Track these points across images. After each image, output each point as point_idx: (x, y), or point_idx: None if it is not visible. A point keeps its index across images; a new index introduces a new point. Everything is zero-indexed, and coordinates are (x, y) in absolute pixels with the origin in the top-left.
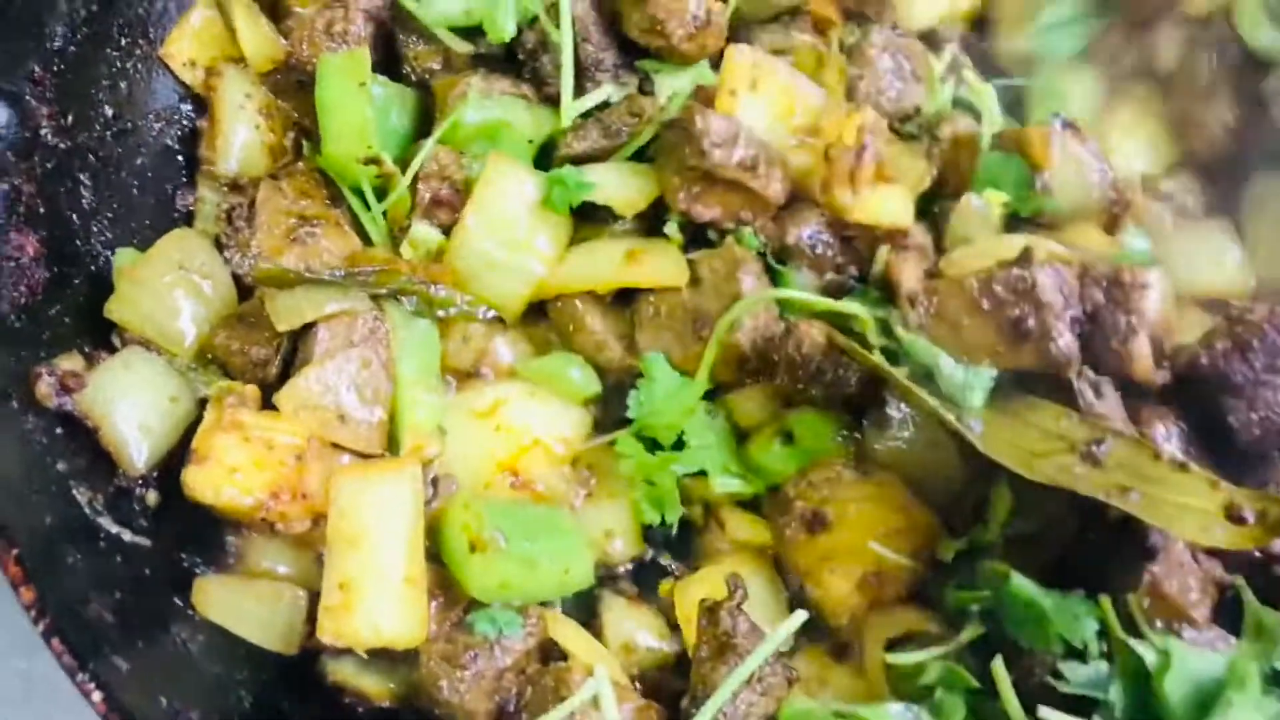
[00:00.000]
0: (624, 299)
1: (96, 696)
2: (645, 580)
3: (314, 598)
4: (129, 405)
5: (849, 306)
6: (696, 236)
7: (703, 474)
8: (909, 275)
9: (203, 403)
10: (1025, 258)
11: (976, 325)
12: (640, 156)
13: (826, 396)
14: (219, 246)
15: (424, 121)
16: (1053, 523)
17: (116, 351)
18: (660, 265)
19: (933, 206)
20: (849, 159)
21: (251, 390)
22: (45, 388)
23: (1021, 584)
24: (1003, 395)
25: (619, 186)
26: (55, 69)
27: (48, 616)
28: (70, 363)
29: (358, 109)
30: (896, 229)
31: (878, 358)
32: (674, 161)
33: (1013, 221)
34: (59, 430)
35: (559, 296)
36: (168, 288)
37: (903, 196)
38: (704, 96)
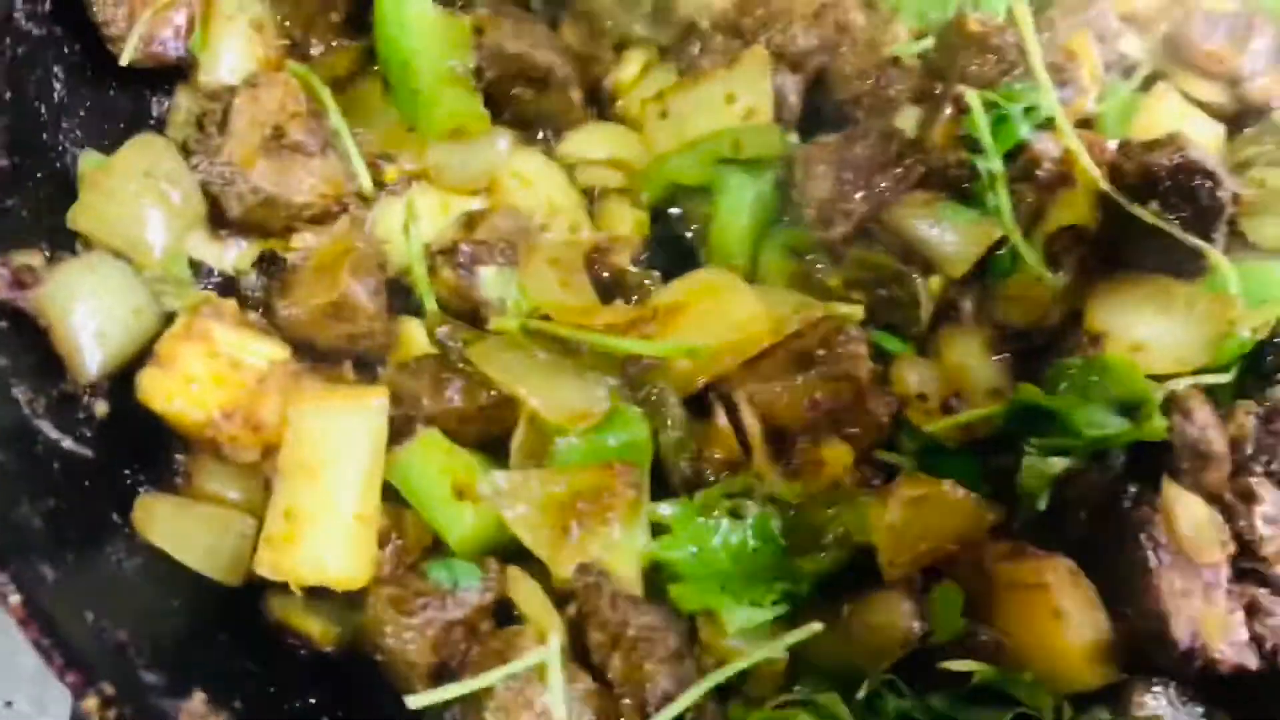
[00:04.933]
0: None
1: (15, 599)
2: None
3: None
4: (88, 309)
5: None
6: None
7: None
8: None
9: (168, 317)
10: None
11: None
12: None
13: None
14: (185, 153)
15: None
16: None
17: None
18: None
19: None
20: None
21: (230, 304)
22: None
23: None
24: None
25: None
26: None
27: None
28: (28, 259)
29: None
30: None
31: None
32: None
33: None
34: (4, 324)
35: None
36: (134, 196)
37: None
38: None
